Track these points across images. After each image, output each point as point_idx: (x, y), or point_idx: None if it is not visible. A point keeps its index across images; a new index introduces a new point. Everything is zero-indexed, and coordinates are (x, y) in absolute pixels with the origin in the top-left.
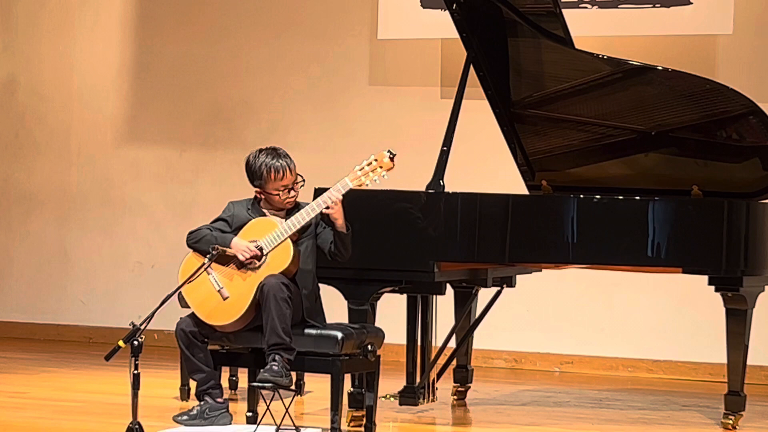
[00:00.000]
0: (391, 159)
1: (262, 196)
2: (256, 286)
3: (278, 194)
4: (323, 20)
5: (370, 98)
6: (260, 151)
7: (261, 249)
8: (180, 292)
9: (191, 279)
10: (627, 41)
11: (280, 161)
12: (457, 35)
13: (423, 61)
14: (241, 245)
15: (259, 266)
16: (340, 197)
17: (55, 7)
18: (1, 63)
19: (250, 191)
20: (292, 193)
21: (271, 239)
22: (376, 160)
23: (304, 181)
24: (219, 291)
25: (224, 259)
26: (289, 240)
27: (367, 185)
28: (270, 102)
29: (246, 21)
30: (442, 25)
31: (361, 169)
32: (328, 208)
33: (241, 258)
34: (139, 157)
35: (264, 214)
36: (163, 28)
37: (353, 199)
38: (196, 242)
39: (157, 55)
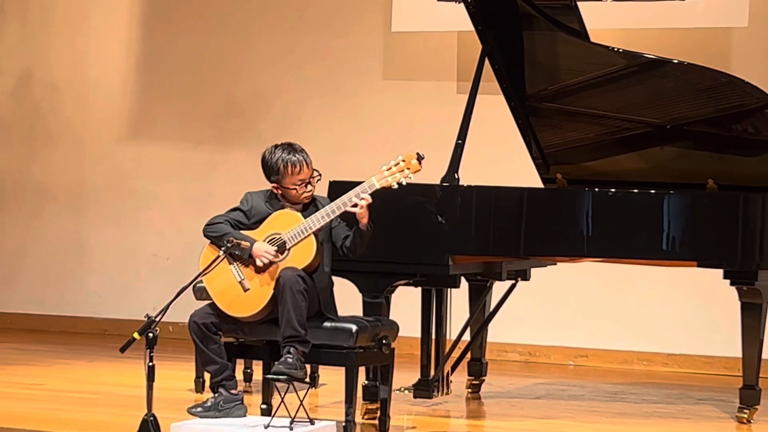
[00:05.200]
0: (419, 161)
1: (279, 191)
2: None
3: (295, 189)
4: (337, 13)
5: (384, 92)
6: (276, 146)
7: (284, 243)
8: (197, 283)
9: (206, 271)
10: (642, 34)
11: (297, 156)
12: (472, 28)
13: (438, 55)
14: (260, 250)
15: (282, 260)
16: (369, 198)
17: (69, 1)
18: (17, 56)
19: (264, 184)
20: (309, 187)
21: (294, 234)
22: (403, 161)
23: (320, 175)
24: (240, 282)
25: (246, 252)
26: (312, 236)
27: (393, 186)
28: (284, 95)
29: (260, 14)
30: (457, 17)
31: (388, 169)
32: (355, 206)
33: (259, 264)
34: (153, 150)
35: (282, 207)
36: (177, 22)
37: None
38: (215, 236)
39: (171, 48)
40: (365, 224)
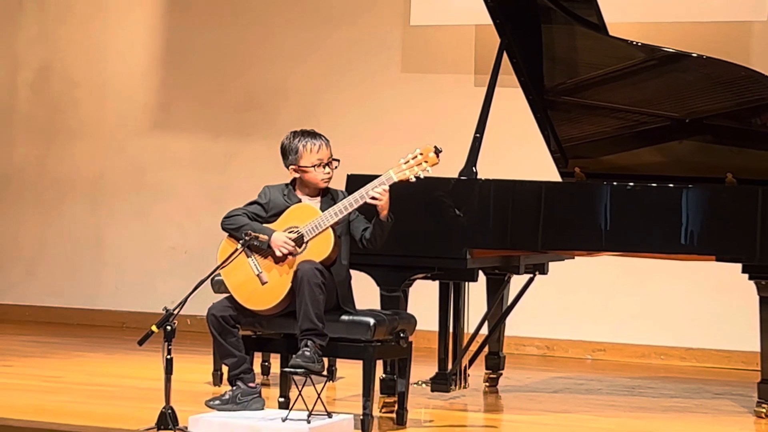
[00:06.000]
0: (437, 154)
1: (297, 175)
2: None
3: (313, 168)
4: (356, 6)
5: (402, 85)
6: (295, 132)
7: (302, 236)
8: (215, 276)
9: (224, 265)
10: (661, 28)
11: (317, 138)
12: (490, 22)
13: (456, 48)
14: (278, 240)
15: (300, 253)
16: (387, 189)
17: None
18: (36, 49)
19: (282, 177)
20: (327, 169)
21: (312, 227)
22: (421, 154)
23: (338, 161)
24: (258, 275)
25: (264, 244)
26: (330, 229)
27: (411, 179)
28: (302, 88)
29: (279, 7)
30: (475, 11)
31: (405, 162)
32: (374, 198)
33: (278, 254)
34: (172, 143)
35: (300, 200)
36: (196, 15)
37: None
38: (234, 229)
39: (190, 41)
40: (385, 216)
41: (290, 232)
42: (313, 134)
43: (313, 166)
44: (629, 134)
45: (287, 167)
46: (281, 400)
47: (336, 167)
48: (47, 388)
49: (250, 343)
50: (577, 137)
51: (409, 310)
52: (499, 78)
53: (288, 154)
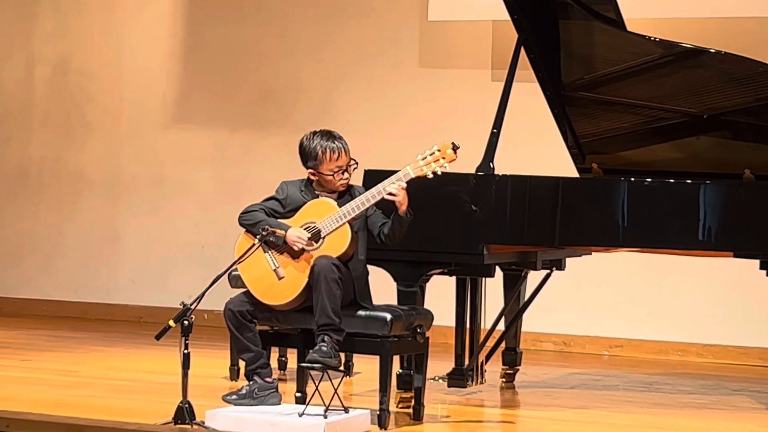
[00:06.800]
0: (455, 151)
1: (315, 178)
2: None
3: (332, 175)
4: (373, 2)
5: (419, 80)
6: (314, 133)
7: (318, 232)
8: (232, 271)
9: (241, 259)
10: (679, 23)
11: (336, 142)
12: (507, 17)
13: (474, 44)
14: (294, 235)
15: (317, 249)
16: (404, 185)
17: None
18: (53, 44)
19: (299, 172)
20: (346, 174)
21: (329, 222)
22: (438, 150)
23: (357, 164)
24: (275, 270)
25: (281, 239)
26: (347, 224)
27: (428, 176)
28: (319, 83)
29: (296, 1)
30: (492, 6)
31: (423, 159)
32: (391, 195)
33: (295, 249)
34: (188, 138)
35: (317, 196)
36: (212, 9)
37: None
38: (251, 224)
39: (206, 35)
40: (404, 211)
41: (307, 228)
42: (332, 137)
43: (333, 174)
44: (647, 130)
45: (305, 167)
46: (298, 395)
47: (355, 169)
48: (65, 383)
49: (267, 338)
50: (595, 133)
51: (426, 306)
52: (517, 73)
53: (307, 158)
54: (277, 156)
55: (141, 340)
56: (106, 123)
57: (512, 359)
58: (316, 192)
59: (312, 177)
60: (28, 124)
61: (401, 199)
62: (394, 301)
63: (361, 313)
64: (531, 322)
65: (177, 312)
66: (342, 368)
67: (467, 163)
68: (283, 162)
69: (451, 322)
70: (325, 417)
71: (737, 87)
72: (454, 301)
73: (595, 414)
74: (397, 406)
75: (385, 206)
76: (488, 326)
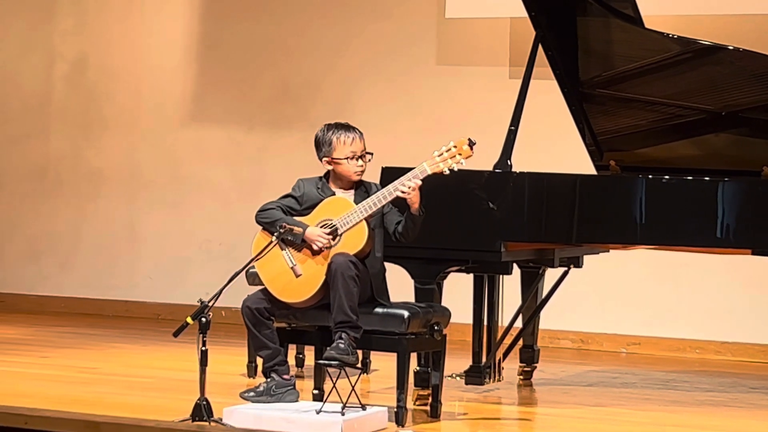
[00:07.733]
0: (471, 147)
1: (330, 167)
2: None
3: (346, 160)
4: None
5: (437, 78)
6: (328, 124)
7: (335, 229)
8: (250, 268)
9: (259, 257)
10: (698, 20)
11: (350, 129)
12: (525, 14)
13: (491, 41)
14: (313, 234)
15: (334, 246)
16: (419, 183)
17: None
18: (72, 42)
19: (316, 169)
20: (360, 162)
21: (346, 219)
22: (455, 146)
23: (372, 155)
24: (292, 268)
25: (298, 237)
26: (364, 221)
27: (445, 172)
28: (337, 81)
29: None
30: (510, 3)
31: (440, 155)
32: (403, 192)
33: (315, 248)
34: (206, 136)
35: (333, 193)
36: (230, 7)
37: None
38: (268, 222)
39: (224, 33)
40: (416, 209)
41: (324, 225)
42: (347, 127)
43: (347, 159)
44: (665, 127)
45: (320, 159)
46: (315, 392)
47: (369, 160)
48: (83, 379)
49: (284, 335)
50: (612, 130)
51: (443, 303)
52: (534, 70)
53: (321, 146)
54: (294, 154)
55: (159, 337)
56: (124, 120)
57: (530, 357)
58: (333, 188)
59: (327, 165)
60: (46, 121)
61: (413, 197)
62: (411, 299)
63: (378, 310)
64: (548, 319)
65: (195, 309)
66: (359, 365)
67: (485, 161)
68: (300, 160)
69: (469, 319)
70: (343, 414)
71: (755, 84)
72: (471, 298)
73: (612, 411)
74: (414, 404)
75: (401, 204)
76: (506, 324)
